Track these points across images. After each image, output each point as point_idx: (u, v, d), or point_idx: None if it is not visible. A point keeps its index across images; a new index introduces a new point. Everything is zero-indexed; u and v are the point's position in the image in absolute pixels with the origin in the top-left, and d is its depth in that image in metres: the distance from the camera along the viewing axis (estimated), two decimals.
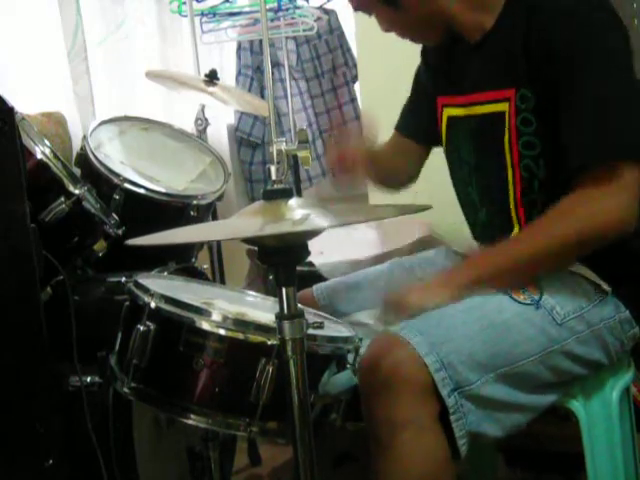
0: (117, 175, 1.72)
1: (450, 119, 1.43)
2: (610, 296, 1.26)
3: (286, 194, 1.01)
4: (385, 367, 1.12)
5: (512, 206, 1.32)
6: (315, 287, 1.52)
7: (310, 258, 1.12)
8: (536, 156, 1.28)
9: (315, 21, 2.88)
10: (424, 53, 1.55)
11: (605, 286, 1.25)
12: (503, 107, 1.29)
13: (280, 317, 0.99)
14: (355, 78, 3.24)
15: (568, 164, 1.22)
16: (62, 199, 1.48)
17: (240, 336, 1.14)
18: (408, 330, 1.14)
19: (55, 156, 1.50)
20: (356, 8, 1.41)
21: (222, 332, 1.14)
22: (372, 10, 1.37)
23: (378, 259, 1.86)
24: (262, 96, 2.99)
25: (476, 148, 1.37)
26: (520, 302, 1.21)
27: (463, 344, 1.15)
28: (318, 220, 0.98)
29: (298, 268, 0.99)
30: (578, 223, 1.18)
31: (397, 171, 1.61)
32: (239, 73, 3.13)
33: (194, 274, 1.76)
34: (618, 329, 1.26)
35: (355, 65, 3.16)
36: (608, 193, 1.17)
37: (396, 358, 1.12)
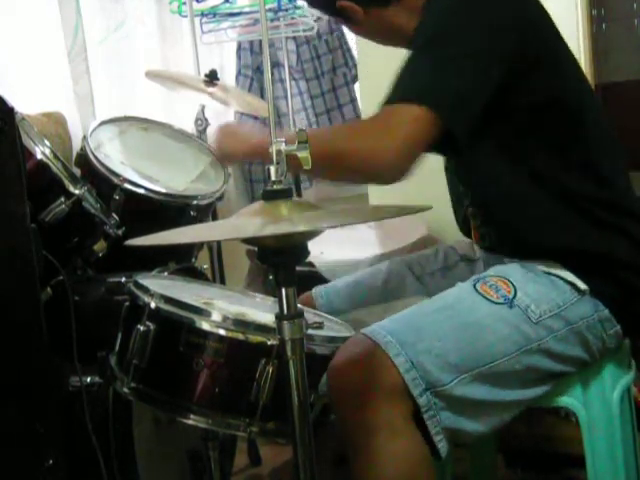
0: (117, 175, 1.71)
1: None
2: (588, 295, 1.24)
3: (286, 194, 1.02)
4: (355, 371, 1.12)
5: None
6: (314, 289, 1.53)
7: (310, 258, 1.12)
8: None
9: (315, 21, 2.88)
10: None
11: (581, 284, 1.24)
12: None
13: (280, 317, 0.98)
14: (355, 78, 3.24)
15: None
16: (62, 199, 1.48)
17: (240, 336, 1.14)
18: (378, 331, 1.14)
19: (55, 156, 1.50)
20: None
21: (222, 332, 1.14)
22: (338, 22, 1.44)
23: (378, 259, 1.86)
24: (262, 96, 2.99)
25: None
26: (493, 301, 1.20)
27: (433, 344, 1.14)
28: (318, 220, 0.98)
29: (298, 268, 0.99)
30: (347, 143, 1.18)
31: None
32: (239, 73, 3.13)
33: (194, 274, 1.76)
34: (598, 328, 1.25)
35: (355, 65, 3.16)
36: (381, 133, 1.15)
37: (365, 361, 1.12)
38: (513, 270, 1.27)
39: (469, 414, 1.15)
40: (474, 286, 1.24)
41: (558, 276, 1.25)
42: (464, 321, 1.18)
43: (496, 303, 1.20)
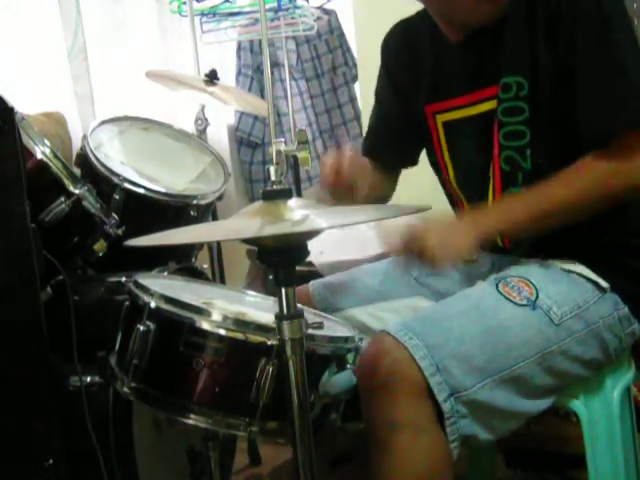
0: (117, 175, 1.71)
1: (447, 125, 1.41)
2: (608, 293, 1.25)
3: (285, 194, 1.01)
4: (384, 367, 1.12)
5: (490, 200, 1.33)
6: (311, 283, 1.52)
7: (310, 258, 1.12)
8: (523, 146, 1.27)
9: (315, 21, 2.88)
10: (388, 67, 1.53)
11: (603, 283, 1.25)
12: (492, 104, 1.30)
13: (279, 317, 0.99)
14: (355, 78, 3.24)
15: (584, 133, 1.21)
16: (62, 199, 1.48)
17: (240, 336, 1.14)
18: (404, 333, 1.13)
19: (55, 156, 1.50)
20: None
21: (222, 332, 1.14)
22: None
23: (378, 259, 1.85)
24: (262, 96, 2.99)
25: (476, 148, 1.37)
26: (516, 303, 1.20)
27: (459, 347, 1.14)
28: (318, 220, 0.98)
29: (298, 268, 0.99)
30: (597, 179, 1.20)
31: (375, 189, 1.49)
32: (239, 73, 3.13)
33: (194, 274, 1.76)
34: (617, 326, 1.26)
35: (355, 65, 3.16)
36: (627, 158, 1.18)
37: (394, 359, 1.12)
38: (533, 270, 1.27)
39: (485, 422, 1.15)
40: (496, 287, 1.23)
41: (579, 274, 1.26)
42: (488, 324, 1.18)
43: (519, 305, 1.20)
